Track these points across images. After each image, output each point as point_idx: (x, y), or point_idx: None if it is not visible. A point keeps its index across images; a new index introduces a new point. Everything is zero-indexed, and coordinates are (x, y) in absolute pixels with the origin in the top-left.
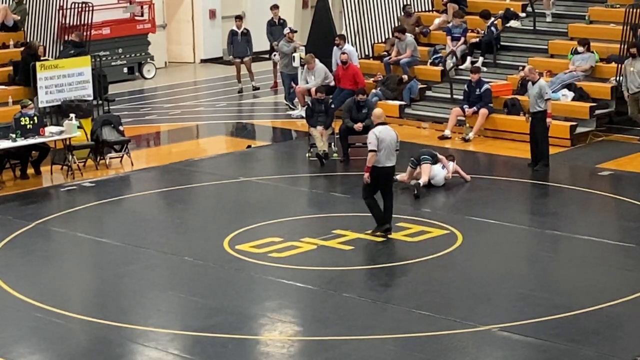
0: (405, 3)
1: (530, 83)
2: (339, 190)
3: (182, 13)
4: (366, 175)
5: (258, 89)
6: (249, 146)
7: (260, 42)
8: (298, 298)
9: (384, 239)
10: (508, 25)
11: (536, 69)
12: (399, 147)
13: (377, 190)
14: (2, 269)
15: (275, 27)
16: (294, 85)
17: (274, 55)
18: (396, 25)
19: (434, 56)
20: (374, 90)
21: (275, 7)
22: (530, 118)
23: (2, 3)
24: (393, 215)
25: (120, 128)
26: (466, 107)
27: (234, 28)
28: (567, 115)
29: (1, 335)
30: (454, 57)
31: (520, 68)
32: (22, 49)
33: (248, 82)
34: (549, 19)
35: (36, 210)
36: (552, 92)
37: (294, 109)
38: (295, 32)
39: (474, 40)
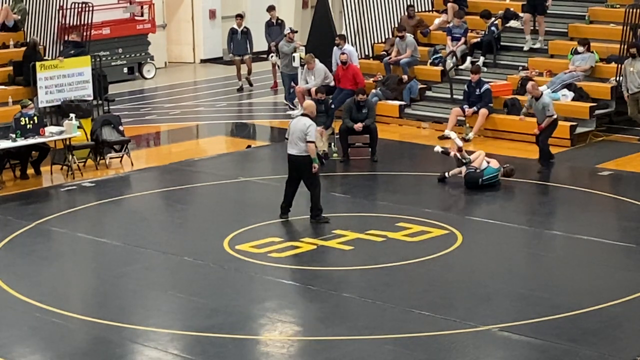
0: (409, 4)
1: (533, 99)
2: (339, 190)
3: (182, 13)
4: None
5: (252, 85)
6: (249, 146)
7: (261, 42)
8: (298, 298)
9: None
10: (508, 25)
11: (538, 85)
12: (309, 138)
13: (290, 176)
14: (2, 269)
15: (273, 28)
16: (294, 85)
17: (271, 56)
18: (396, 25)
19: (434, 56)
20: (374, 90)
21: (272, 9)
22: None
23: (3, 3)
24: (393, 215)
25: (120, 128)
26: (466, 107)
27: (234, 26)
28: (567, 115)
29: (1, 335)
30: (454, 57)
31: (520, 68)
32: (22, 49)
33: (235, 83)
34: (529, 44)
35: (36, 210)
36: (552, 92)
37: (294, 109)
38: (296, 32)
39: (474, 40)
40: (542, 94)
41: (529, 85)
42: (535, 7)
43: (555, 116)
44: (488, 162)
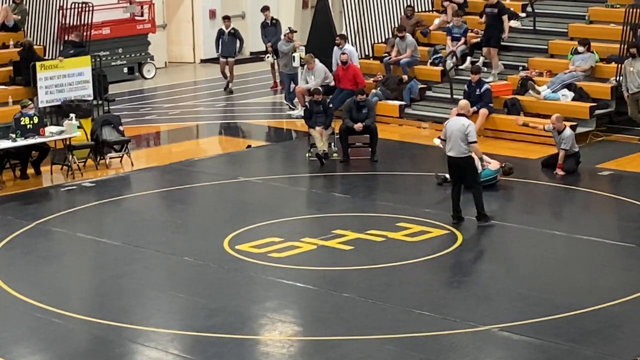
0: (407, 4)
1: (556, 132)
2: (339, 190)
3: (182, 13)
4: None
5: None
6: (249, 146)
7: (260, 42)
8: (298, 298)
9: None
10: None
11: (562, 118)
12: (471, 138)
13: (453, 179)
14: (2, 269)
15: (269, 29)
16: (293, 85)
17: (267, 56)
18: (396, 25)
19: (434, 56)
20: (374, 90)
21: (266, 9)
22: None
23: (3, 3)
24: (393, 215)
25: (120, 128)
26: None
27: (222, 27)
28: (567, 115)
29: (1, 335)
30: (454, 57)
31: (520, 68)
32: (19, 49)
33: (236, 82)
34: (491, 77)
35: (36, 210)
36: (552, 92)
37: (294, 109)
38: (295, 32)
39: (474, 40)
40: (565, 127)
41: (553, 117)
42: (489, 40)
43: (569, 150)
44: (488, 163)
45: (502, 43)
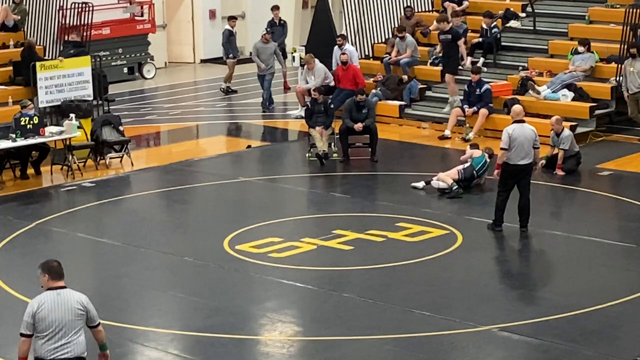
0: (406, 5)
1: (554, 135)
2: (339, 190)
3: (182, 13)
4: (495, 172)
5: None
6: (249, 146)
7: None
8: (298, 298)
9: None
10: (508, 25)
11: (562, 120)
12: (538, 145)
13: (509, 187)
14: (2, 269)
15: (276, 28)
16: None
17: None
18: (396, 25)
19: (434, 56)
20: (374, 90)
21: (276, 8)
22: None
23: (3, 3)
24: (394, 215)
25: (120, 128)
26: (466, 107)
27: (229, 28)
28: (567, 115)
29: (1, 335)
30: None
31: (520, 68)
32: (20, 49)
33: (234, 83)
34: (447, 107)
35: (36, 210)
36: (552, 92)
37: (266, 111)
38: (272, 33)
39: (474, 40)
40: (563, 129)
41: (553, 119)
42: (444, 67)
43: (569, 150)
44: (471, 155)
45: (502, 43)
